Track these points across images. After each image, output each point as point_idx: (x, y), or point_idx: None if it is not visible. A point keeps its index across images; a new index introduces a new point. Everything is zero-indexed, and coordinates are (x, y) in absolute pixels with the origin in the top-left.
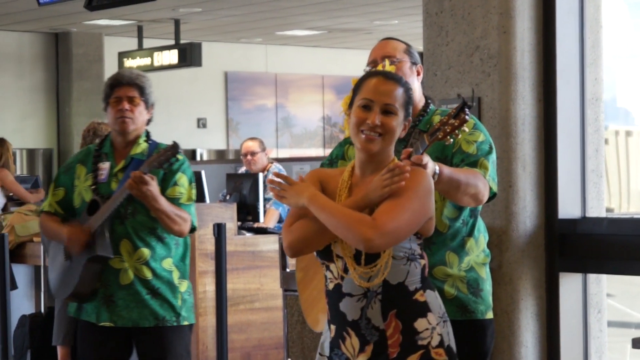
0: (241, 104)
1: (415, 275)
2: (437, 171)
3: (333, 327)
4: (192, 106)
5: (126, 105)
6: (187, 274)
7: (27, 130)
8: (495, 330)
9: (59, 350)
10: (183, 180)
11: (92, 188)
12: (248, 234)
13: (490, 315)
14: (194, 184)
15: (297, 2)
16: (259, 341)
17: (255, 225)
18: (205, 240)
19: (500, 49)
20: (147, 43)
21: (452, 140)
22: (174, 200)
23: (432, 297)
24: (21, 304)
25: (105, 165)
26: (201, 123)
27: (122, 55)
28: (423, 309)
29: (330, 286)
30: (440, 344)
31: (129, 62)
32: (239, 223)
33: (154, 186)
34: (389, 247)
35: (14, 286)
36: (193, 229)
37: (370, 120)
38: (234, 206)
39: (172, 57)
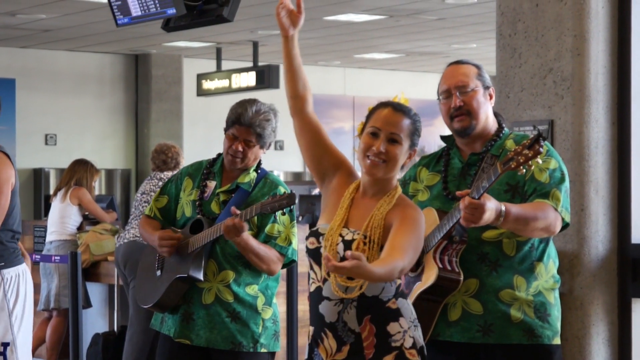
0: None
1: (390, 291)
2: (503, 212)
3: (312, 328)
4: None
5: (239, 147)
6: (273, 301)
7: (106, 151)
8: (566, 356)
9: None
10: (284, 218)
11: (195, 203)
12: None
13: (557, 341)
14: (294, 222)
15: (376, 25)
16: None
17: None
18: None
19: (573, 72)
20: (226, 65)
21: (524, 170)
22: (270, 238)
23: (404, 304)
24: (95, 322)
25: (211, 184)
26: (278, 145)
27: (200, 77)
28: (395, 315)
29: (312, 287)
30: (413, 345)
31: (207, 84)
32: None
33: (245, 232)
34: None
35: (88, 304)
36: (291, 262)
37: (375, 147)
38: (306, 227)
39: (250, 79)
